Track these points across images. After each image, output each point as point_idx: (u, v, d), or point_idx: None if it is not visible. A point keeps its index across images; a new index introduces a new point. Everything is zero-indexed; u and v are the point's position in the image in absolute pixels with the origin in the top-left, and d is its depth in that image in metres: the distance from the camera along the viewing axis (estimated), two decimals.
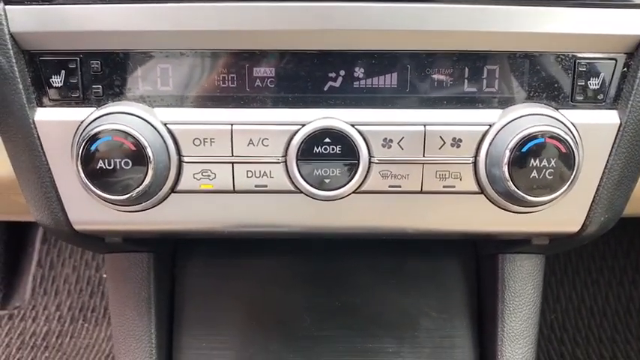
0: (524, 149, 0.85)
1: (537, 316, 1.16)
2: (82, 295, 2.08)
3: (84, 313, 2.04)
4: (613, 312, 2.03)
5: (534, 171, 0.85)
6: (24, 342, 1.98)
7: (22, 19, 0.86)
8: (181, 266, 1.23)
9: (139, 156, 0.85)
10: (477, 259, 1.24)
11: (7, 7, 0.86)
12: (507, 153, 0.85)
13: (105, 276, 2.04)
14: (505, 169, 0.86)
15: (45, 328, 2.02)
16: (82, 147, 0.85)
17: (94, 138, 0.85)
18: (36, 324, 2.03)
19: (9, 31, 0.86)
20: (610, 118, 0.90)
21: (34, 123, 0.89)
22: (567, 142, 0.85)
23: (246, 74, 0.90)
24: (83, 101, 0.90)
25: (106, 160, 0.85)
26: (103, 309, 2.06)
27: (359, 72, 0.90)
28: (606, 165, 0.91)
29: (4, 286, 2.10)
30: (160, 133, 0.88)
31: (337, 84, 0.90)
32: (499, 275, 1.14)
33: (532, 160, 0.85)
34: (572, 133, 0.88)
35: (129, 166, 0.85)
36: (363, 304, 1.22)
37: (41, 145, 0.90)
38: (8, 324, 2.02)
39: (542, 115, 0.88)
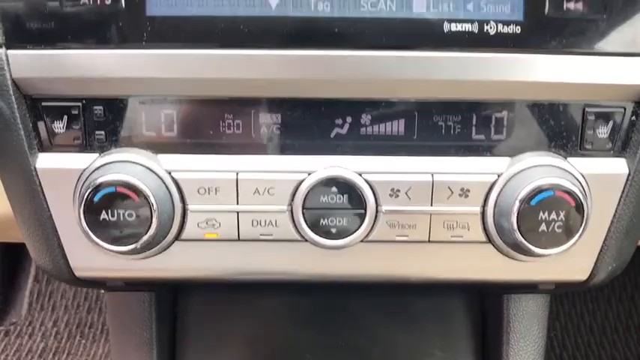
0: (533, 202, 0.84)
1: (542, 357, 1.16)
2: (79, 311, 2.07)
3: (81, 330, 2.04)
4: (612, 329, 2.03)
5: (543, 224, 0.85)
6: (20, 359, 1.97)
7: (25, 65, 0.85)
8: (183, 304, 1.21)
9: (142, 207, 0.84)
10: (482, 298, 1.24)
11: (9, 51, 0.85)
12: (516, 205, 0.84)
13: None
14: (514, 221, 0.85)
15: (42, 344, 2.01)
16: (84, 198, 0.84)
17: (96, 189, 0.84)
18: (32, 340, 2.02)
19: (11, 76, 0.85)
20: (619, 167, 0.90)
21: (35, 170, 0.88)
22: (576, 195, 0.84)
23: (251, 121, 0.89)
24: (86, 147, 0.89)
25: (109, 211, 0.84)
26: (100, 325, 2.05)
27: (366, 119, 0.89)
28: (615, 214, 0.91)
29: (0, 301, 2.08)
30: (164, 182, 0.87)
31: (344, 131, 0.89)
32: (504, 316, 1.13)
33: (541, 213, 0.84)
34: (581, 184, 0.87)
35: (132, 218, 0.84)
36: (366, 342, 1.21)
37: (43, 192, 0.89)
38: (4, 340, 2.01)
39: (551, 166, 0.87)
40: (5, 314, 2.10)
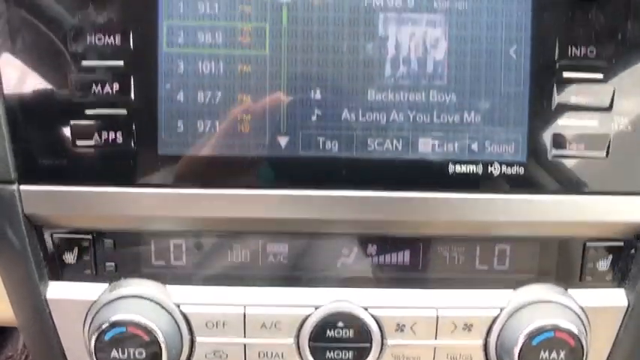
0: (534, 342, 0.86)
1: None
2: None
3: None
4: None
5: None
6: None
7: (36, 200, 0.85)
8: None
9: (152, 344, 0.85)
10: None
11: (21, 187, 0.85)
12: (518, 344, 0.86)
13: None
14: (515, 358, 0.87)
15: None
16: (95, 335, 0.85)
17: (108, 328, 0.85)
18: None
19: (23, 211, 0.85)
20: (618, 298, 0.92)
21: (45, 300, 0.89)
22: (576, 335, 0.86)
23: (259, 252, 0.90)
24: (96, 277, 0.90)
25: (120, 349, 0.85)
26: None
27: (371, 249, 0.91)
28: (614, 344, 0.93)
29: None
30: (173, 316, 0.88)
31: (350, 260, 0.91)
32: None
33: (542, 352, 0.86)
34: (580, 319, 0.89)
35: (142, 356, 0.85)
36: None
37: (52, 320, 0.90)
38: None
39: (552, 302, 0.89)
40: (1, 348, 2.09)
